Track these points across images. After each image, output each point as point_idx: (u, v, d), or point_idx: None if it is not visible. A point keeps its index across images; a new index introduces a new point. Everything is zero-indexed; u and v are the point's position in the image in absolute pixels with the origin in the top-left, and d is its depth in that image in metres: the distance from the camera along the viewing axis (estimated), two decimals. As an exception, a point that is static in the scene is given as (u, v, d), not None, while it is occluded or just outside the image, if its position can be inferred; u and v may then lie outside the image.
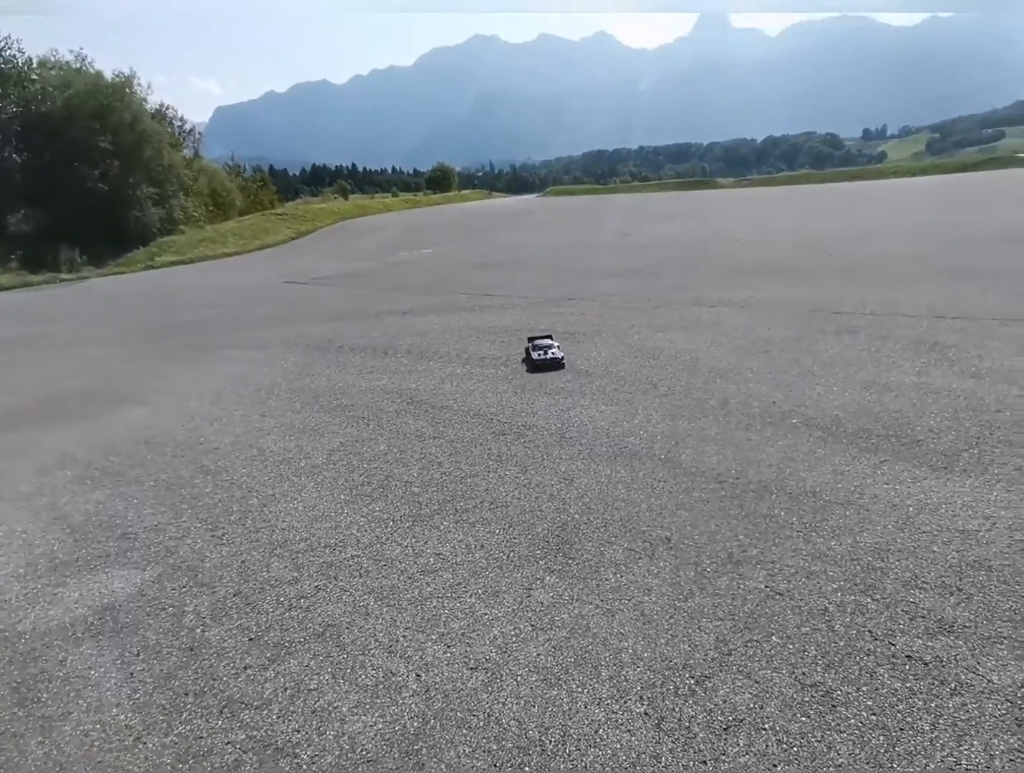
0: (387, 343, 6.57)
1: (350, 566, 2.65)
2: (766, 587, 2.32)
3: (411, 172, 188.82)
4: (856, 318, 5.99)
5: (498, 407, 4.41)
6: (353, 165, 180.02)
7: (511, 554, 2.65)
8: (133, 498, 3.44)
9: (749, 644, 2.06)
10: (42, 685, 2.16)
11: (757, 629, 2.12)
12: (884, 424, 3.58)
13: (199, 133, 35.90)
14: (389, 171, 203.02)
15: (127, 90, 27.02)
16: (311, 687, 2.03)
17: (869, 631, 2.07)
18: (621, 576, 2.45)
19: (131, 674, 2.15)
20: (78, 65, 27.03)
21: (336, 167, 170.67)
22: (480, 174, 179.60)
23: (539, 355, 5.34)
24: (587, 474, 3.29)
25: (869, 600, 2.21)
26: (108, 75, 27.37)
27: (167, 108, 32.68)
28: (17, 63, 26.01)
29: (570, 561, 2.57)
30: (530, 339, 5.76)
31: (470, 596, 2.40)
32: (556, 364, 5.30)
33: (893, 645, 2.01)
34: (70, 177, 23.75)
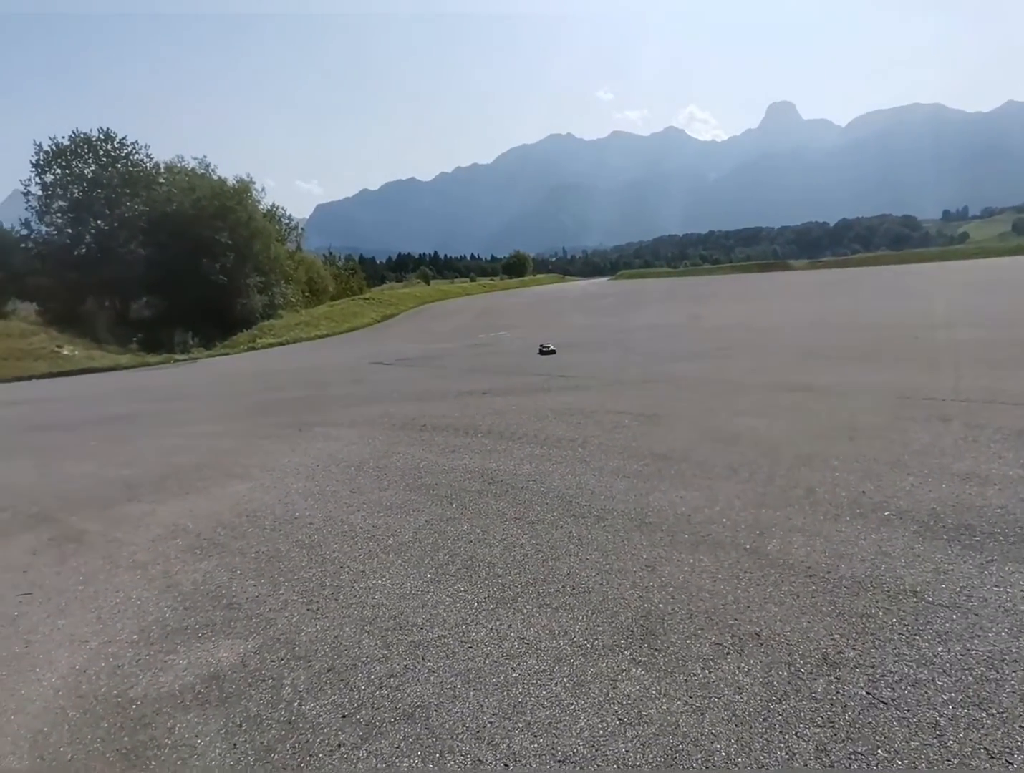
0: (468, 423, 6.74)
1: (437, 647, 2.68)
2: (868, 694, 2.17)
3: (489, 258, 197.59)
4: (948, 405, 5.70)
5: (576, 489, 4.41)
6: (435, 253, 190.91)
7: (595, 642, 2.61)
8: (237, 569, 3.62)
9: (853, 757, 1.92)
10: (151, 752, 2.25)
11: (861, 740, 1.98)
12: (989, 520, 3.35)
13: (301, 229, 39.24)
14: (468, 258, 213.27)
15: (246, 194, 30.13)
16: (402, 770, 2.04)
17: (985, 748, 1.90)
18: (710, 672, 2.36)
19: (234, 745, 2.23)
20: (202, 171, 30.50)
21: (419, 255, 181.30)
22: (554, 259, 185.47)
23: (545, 349, 11.88)
24: (669, 562, 3.22)
25: (984, 715, 2.03)
26: (231, 180, 30.67)
27: (276, 208, 36.07)
28: (146, 167, 29.53)
29: (656, 653, 2.50)
30: (541, 345, 12.25)
31: (555, 684, 2.37)
32: (550, 351, 11.79)
33: (1011, 764, 1.83)
34: (192, 269, 26.33)
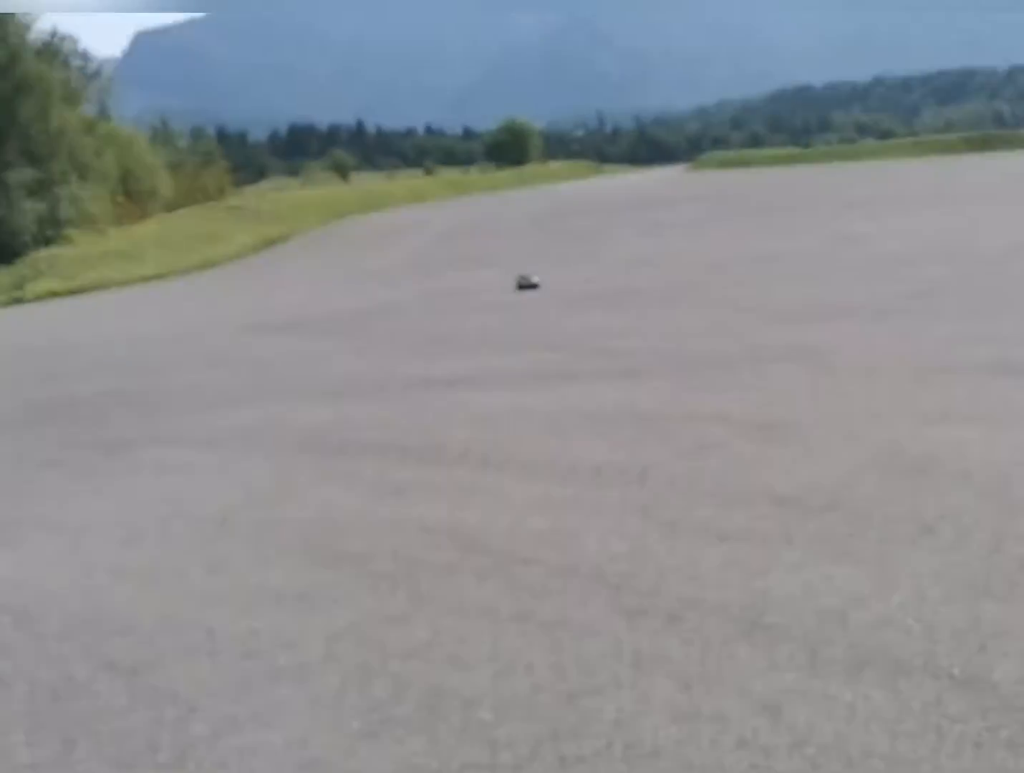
0: (424, 439, 6.79)
1: (373, 860, 2.67)
2: None
3: (460, 133, 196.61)
4: None
5: (630, 562, 4.42)
6: (359, 123, 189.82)
7: (671, 852, 2.60)
8: (-6, 714, 3.61)
9: None
10: None
11: None
12: None
13: (109, 78, 39.07)
14: (420, 132, 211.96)
15: (5, 19, 29.77)
16: None
17: None
18: None
19: None
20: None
21: (330, 127, 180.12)
22: (580, 134, 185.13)
23: (525, 283, 14.40)
24: (806, 699, 3.21)
25: None
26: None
27: (61, 39, 35.79)
28: None
29: (786, 871, 2.50)
30: (520, 277, 14.65)
31: None
32: (531, 286, 14.30)
33: None
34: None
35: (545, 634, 3.83)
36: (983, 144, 51.19)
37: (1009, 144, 50.17)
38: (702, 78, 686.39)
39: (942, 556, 4.19)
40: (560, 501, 5.30)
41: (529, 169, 72.87)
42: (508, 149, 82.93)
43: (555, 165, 79.48)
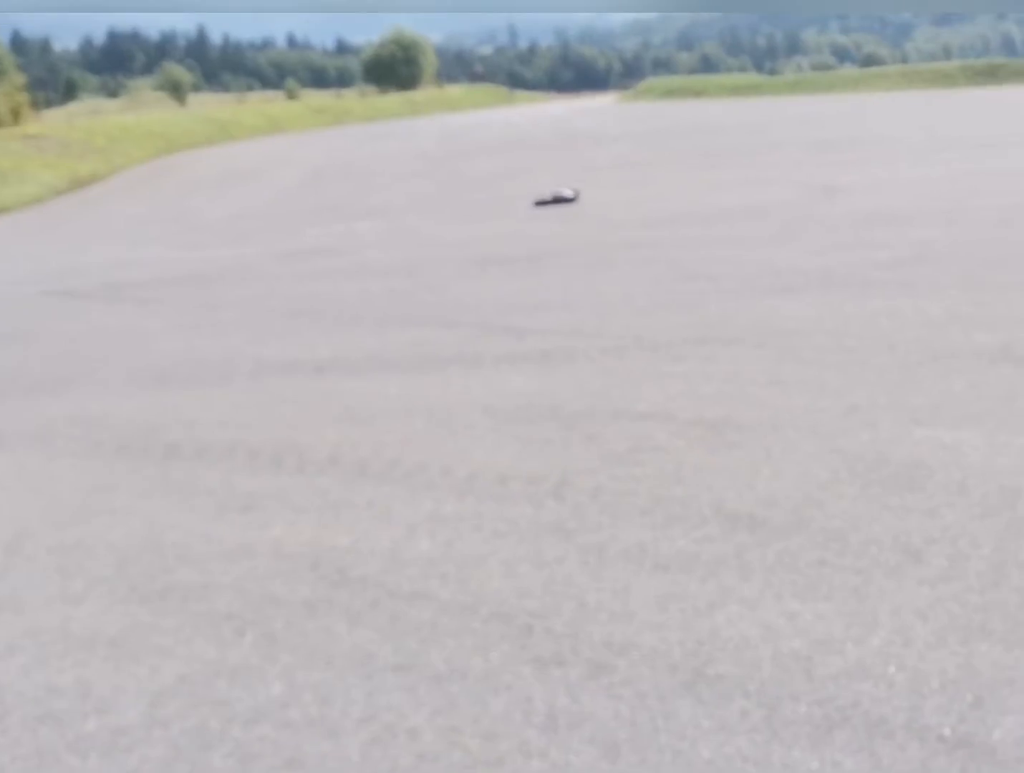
0: (281, 439, 6.73)
1: None
2: None
3: (332, 46, 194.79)
4: None
5: (543, 598, 4.43)
6: (200, 30, 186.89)
7: None
8: None
9: None
10: None
11: None
12: None
13: None
14: (280, 43, 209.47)
15: None
16: None
17: None
18: None
19: None
20: None
21: (162, 34, 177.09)
22: (488, 51, 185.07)
23: (555, 198, 18.29)
24: (763, 768, 3.23)
25: None
26: None
27: None
28: None
29: None
30: (552, 192, 18.43)
31: None
32: (564, 199, 18.19)
33: None
34: None
35: (434, 689, 3.81)
36: (988, 75, 51.94)
37: (1019, 75, 50.92)
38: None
39: (932, 589, 4.25)
40: (455, 519, 5.28)
41: (421, 94, 72.70)
42: (394, 68, 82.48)
43: (455, 90, 79.45)
